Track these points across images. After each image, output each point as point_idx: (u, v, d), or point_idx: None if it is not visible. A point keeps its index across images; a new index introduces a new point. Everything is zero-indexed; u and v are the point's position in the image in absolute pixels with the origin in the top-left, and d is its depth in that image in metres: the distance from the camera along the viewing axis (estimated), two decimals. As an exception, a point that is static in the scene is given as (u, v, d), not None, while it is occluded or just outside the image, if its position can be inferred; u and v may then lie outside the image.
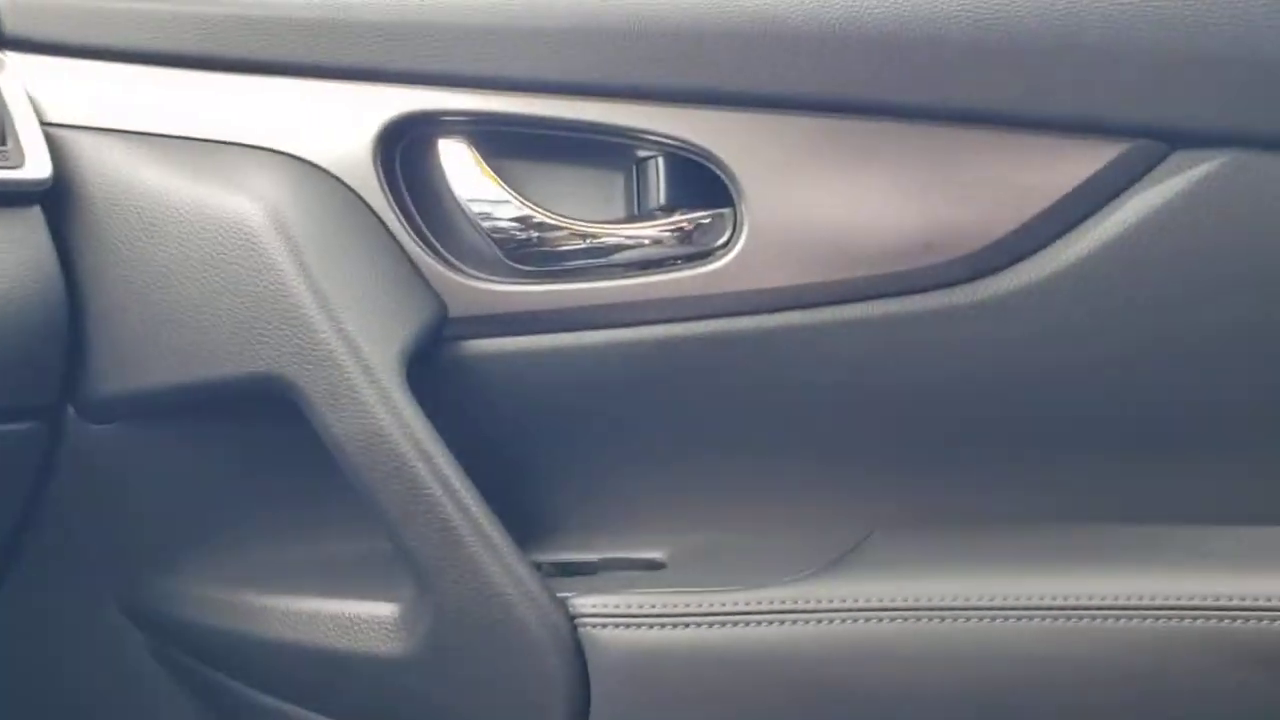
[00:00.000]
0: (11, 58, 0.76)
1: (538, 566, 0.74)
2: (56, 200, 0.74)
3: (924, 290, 0.71)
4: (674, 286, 0.74)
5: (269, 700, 0.77)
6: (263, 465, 0.78)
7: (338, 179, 0.76)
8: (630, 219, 0.76)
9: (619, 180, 0.77)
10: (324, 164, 0.76)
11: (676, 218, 0.75)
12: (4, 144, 0.72)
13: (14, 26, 0.77)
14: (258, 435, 0.76)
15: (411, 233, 0.76)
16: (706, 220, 0.75)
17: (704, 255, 0.74)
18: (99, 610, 0.80)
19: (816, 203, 0.72)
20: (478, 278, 0.76)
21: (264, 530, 0.79)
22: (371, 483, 0.68)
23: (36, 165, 0.73)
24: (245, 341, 0.70)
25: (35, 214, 0.73)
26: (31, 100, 0.75)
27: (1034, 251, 0.70)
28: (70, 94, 0.77)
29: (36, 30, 0.77)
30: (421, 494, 0.67)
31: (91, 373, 0.74)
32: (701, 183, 0.74)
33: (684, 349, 0.74)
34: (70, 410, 0.75)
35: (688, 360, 0.75)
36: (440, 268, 0.75)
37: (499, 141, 0.77)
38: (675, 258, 0.75)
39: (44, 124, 0.75)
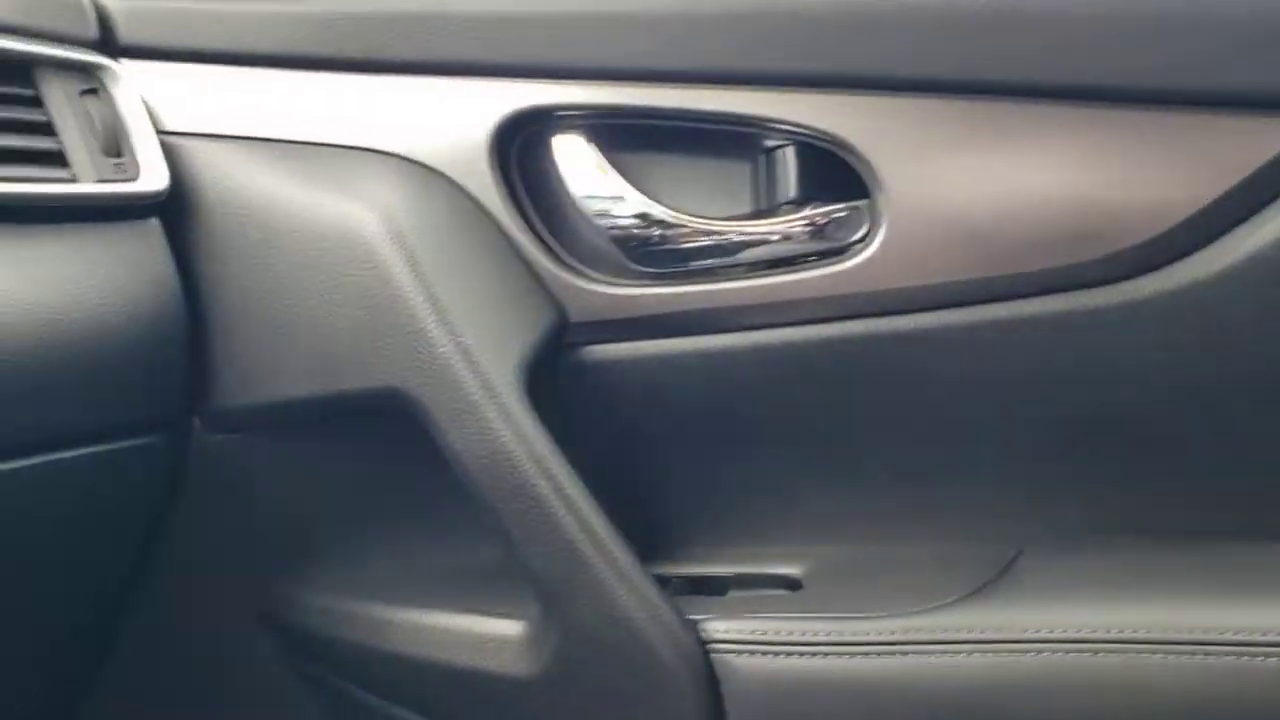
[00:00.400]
0: (127, 65, 0.75)
1: (666, 581, 0.71)
2: (173, 210, 0.73)
3: (1082, 287, 0.65)
4: (806, 286, 0.70)
5: (399, 711, 0.76)
6: (388, 474, 0.76)
7: (452, 181, 0.73)
8: (758, 214, 0.72)
9: (745, 173, 0.72)
10: (438, 165, 0.73)
11: (808, 212, 0.70)
12: (120, 156, 0.72)
13: (129, 33, 0.76)
14: (382, 444, 0.74)
15: (529, 235, 0.73)
16: (841, 214, 0.70)
17: (838, 252, 0.70)
18: (233, 618, 0.80)
19: (962, 194, 0.66)
20: (598, 280, 0.73)
21: (389, 539, 0.77)
22: (493, 500, 0.66)
23: (153, 177, 0.72)
24: (365, 355, 0.69)
25: (153, 225, 0.72)
26: (147, 108, 0.74)
27: (1207, 243, 0.64)
28: (185, 100, 0.75)
29: (151, 36, 0.76)
30: (545, 514, 0.65)
31: (215, 384, 0.73)
32: (835, 173, 0.69)
33: (817, 352, 0.70)
34: (196, 422, 0.75)
35: (821, 364, 0.70)
36: (559, 271, 0.72)
37: (617, 135, 0.73)
38: (807, 255, 0.70)
39: (160, 132, 0.74)
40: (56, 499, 0.68)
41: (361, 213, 0.70)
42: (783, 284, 0.70)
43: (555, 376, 0.72)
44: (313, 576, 0.77)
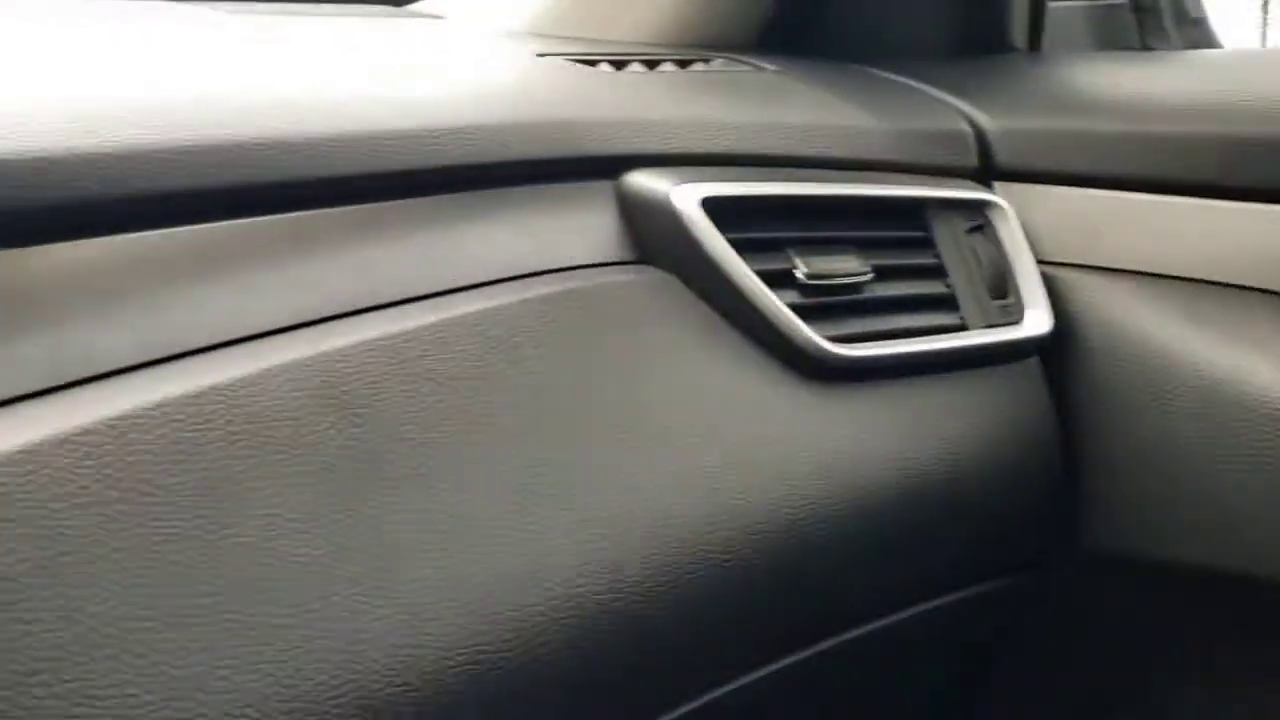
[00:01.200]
0: (1005, 190, 0.73)
1: None
2: (1053, 346, 0.70)
3: None
4: None
5: None
6: (1251, 637, 0.69)
7: None
8: None
9: None
10: None
11: None
12: (1005, 296, 0.70)
13: (1006, 159, 0.74)
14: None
15: None
16: None
17: None
18: None
19: None
20: None
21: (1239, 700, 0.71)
22: None
23: (1038, 319, 0.70)
24: (1275, 538, 0.62)
25: (1033, 365, 0.71)
26: (1028, 238, 0.72)
27: None
28: (1061, 227, 0.72)
29: (1027, 160, 0.74)
30: None
31: (1087, 525, 0.71)
32: None
33: None
34: (1058, 558, 0.73)
35: None
36: None
37: None
38: None
39: (1039, 262, 0.71)
40: (929, 645, 0.70)
41: (1273, 373, 0.63)
42: None
43: None
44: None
